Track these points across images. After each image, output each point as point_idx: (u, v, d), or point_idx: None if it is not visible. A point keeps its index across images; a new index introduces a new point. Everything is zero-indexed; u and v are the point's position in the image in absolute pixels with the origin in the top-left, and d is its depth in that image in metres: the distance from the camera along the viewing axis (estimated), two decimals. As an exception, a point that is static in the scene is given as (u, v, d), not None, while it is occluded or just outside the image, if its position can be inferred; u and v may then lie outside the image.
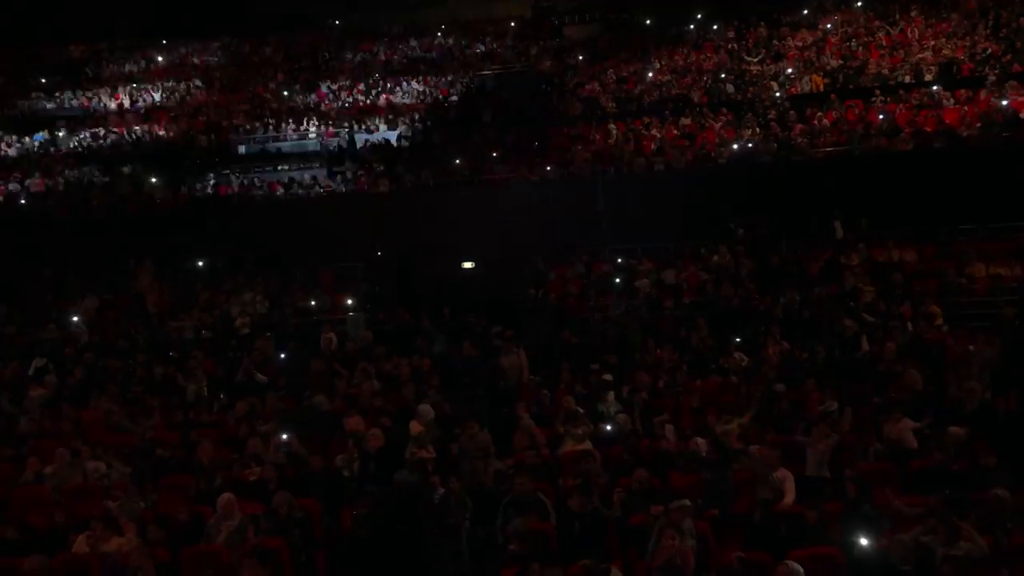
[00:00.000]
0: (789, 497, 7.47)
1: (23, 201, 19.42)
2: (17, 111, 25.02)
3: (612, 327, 13.40)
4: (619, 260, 16.44)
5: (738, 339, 12.32)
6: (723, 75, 22.51)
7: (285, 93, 24.94)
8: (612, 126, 20.92)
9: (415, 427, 9.52)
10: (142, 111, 24.68)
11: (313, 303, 15.53)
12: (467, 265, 18.03)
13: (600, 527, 6.67)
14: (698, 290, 14.84)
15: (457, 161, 19.76)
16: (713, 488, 7.69)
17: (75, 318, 15.12)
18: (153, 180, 19.86)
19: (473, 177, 19.28)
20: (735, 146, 18.66)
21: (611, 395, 10.44)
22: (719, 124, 20.10)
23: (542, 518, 7.58)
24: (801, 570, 5.68)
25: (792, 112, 19.79)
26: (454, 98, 23.63)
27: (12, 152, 22.29)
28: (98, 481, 9.19)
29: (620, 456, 8.81)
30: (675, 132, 20.18)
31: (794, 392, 10.30)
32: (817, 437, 8.37)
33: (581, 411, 9.91)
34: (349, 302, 15.35)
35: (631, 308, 14.38)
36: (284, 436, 9.37)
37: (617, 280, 15.53)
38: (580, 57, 25.75)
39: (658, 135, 20.11)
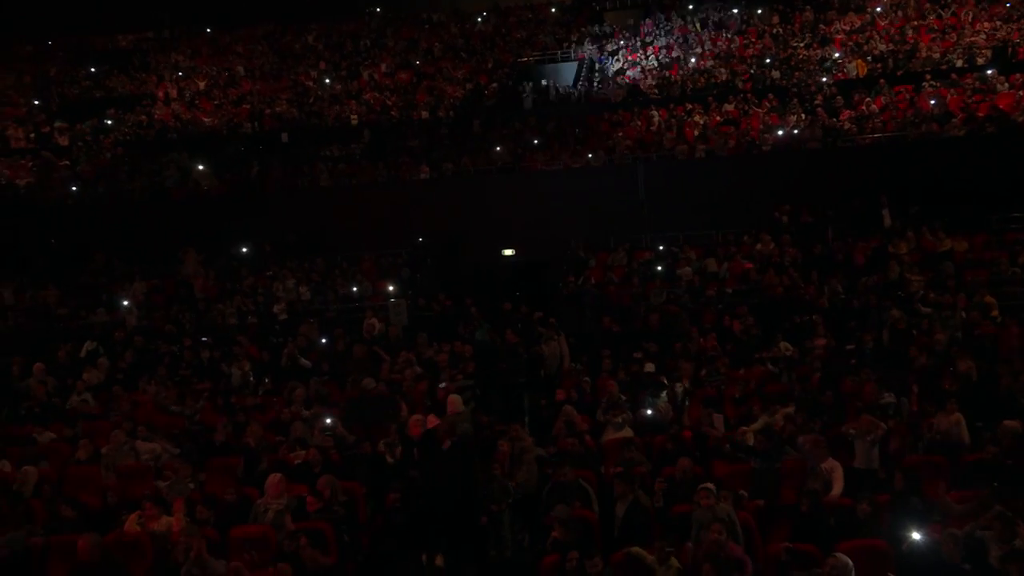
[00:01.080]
0: (837, 488, 7.36)
1: (74, 188, 19.82)
2: (68, 99, 25.56)
3: (654, 315, 13.29)
4: (660, 248, 16.32)
5: (783, 329, 12.15)
6: (768, 60, 22.14)
7: (327, 80, 25.11)
8: (654, 113, 20.71)
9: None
10: (187, 99, 25.03)
11: (355, 289, 15.65)
12: (507, 252, 18.08)
13: (642, 516, 6.63)
14: (741, 279, 14.65)
15: (497, 148, 19.73)
16: (760, 478, 7.61)
17: (124, 302, 15.44)
18: (199, 167, 20.13)
19: (513, 164, 19.24)
20: (780, 132, 18.35)
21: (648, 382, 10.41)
22: (763, 110, 19.79)
23: (584, 505, 7.58)
24: (850, 563, 5.60)
25: (839, 98, 19.42)
26: (494, 85, 23.56)
27: (63, 139, 22.77)
28: (149, 462, 9.39)
29: (663, 445, 8.76)
30: (718, 118, 19.91)
31: (841, 383, 10.14)
32: (865, 429, 8.23)
33: (624, 399, 9.88)
34: (390, 288, 15.44)
35: (673, 296, 14.27)
36: (328, 420, 9.48)
37: (659, 268, 15.41)
38: (621, 43, 25.51)
39: (701, 122, 19.85)
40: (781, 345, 11.60)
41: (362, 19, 29.85)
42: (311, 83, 25.05)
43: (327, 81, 25.07)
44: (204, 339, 13.82)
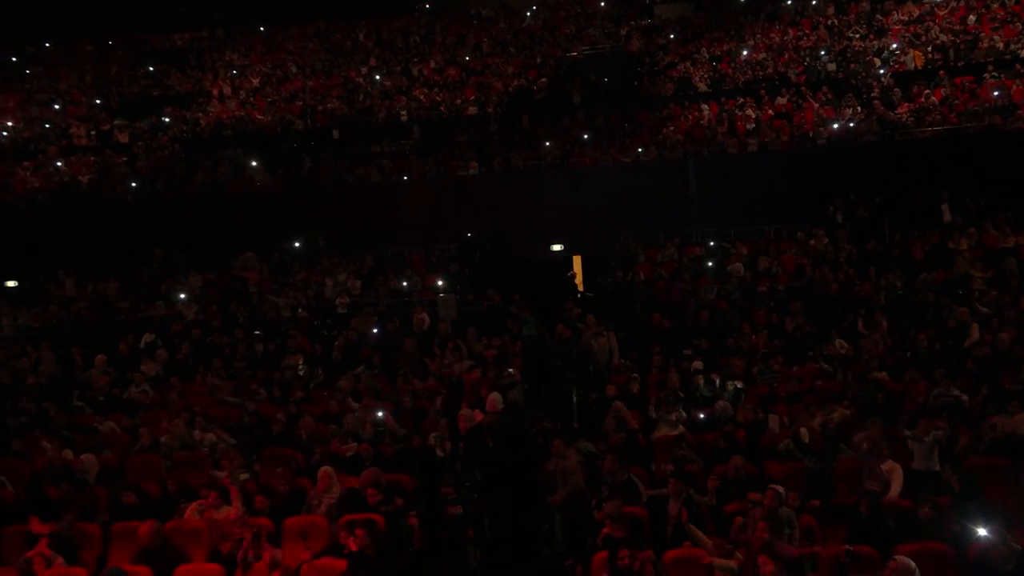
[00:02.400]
0: (896, 490, 7.20)
1: (133, 184, 20.34)
2: (128, 97, 26.21)
3: (704, 312, 13.15)
4: (711, 243, 16.15)
5: (838, 326, 11.93)
6: (822, 52, 21.70)
7: (377, 77, 25.32)
8: (705, 107, 20.46)
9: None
10: (241, 96, 25.48)
11: (404, 284, 15.79)
12: (556, 248, 18.06)
13: (696, 514, 6.57)
14: (794, 275, 14.42)
15: (547, 143, 19.70)
16: (814, 478, 7.48)
17: (181, 296, 15.80)
18: (253, 163, 20.49)
19: (562, 159, 19.19)
20: (835, 126, 17.99)
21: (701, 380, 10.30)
22: (818, 103, 19.41)
23: (634, 502, 7.55)
24: (914, 565, 5.47)
25: (896, 90, 18.94)
26: (543, 80, 23.50)
27: (123, 137, 23.37)
28: (206, 452, 9.61)
29: (715, 443, 8.67)
30: (771, 112, 19.59)
31: (898, 382, 9.93)
32: (924, 430, 8.03)
33: (681, 395, 9.82)
34: (439, 283, 15.54)
35: (723, 292, 14.11)
36: (380, 414, 9.56)
37: (709, 264, 15.26)
38: (671, 36, 25.23)
39: (753, 115, 19.56)
40: (836, 343, 11.40)
41: (411, 15, 30.01)
42: (361, 80, 25.29)
43: (377, 78, 25.28)
44: (256, 332, 14.09)
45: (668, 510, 7.01)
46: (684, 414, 9.52)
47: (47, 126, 24.50)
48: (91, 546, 7.78)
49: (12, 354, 13.51)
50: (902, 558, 5.52)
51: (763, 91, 20.50)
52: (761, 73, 21.46)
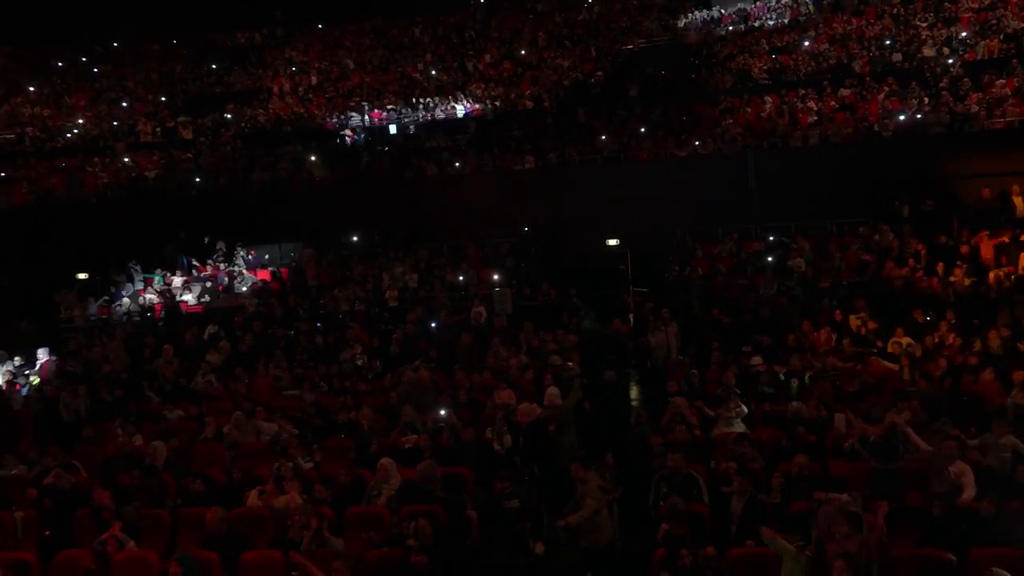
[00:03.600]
0: (968, 492, 6.97)
1: (197, 179, 20.84)
2: (191, 94, 26.88)
3: (764, 307, 12.93)
4: (771, 238, 15.87)
5: (904, 323, 11.61)
6: (888, 42, 21.11)
7: (433, 72, 25.49)
8: (765, 99, 20.08)
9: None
10: (300, 93, 25.90)
11: (461, 278, 15.87)
12: (611, 242, 17.93)
13: (760, 513, 6.46)
14: (858, 270, 14.07)
15: (603, 137, 19.58)
16: (881, 478, 7.29)
17: (243, 288, 16.14)
18: (311, 158, 20.82)
19: (619, 153, 19.05)
20: (901, 117, 17.49)
21: (765, 376, 10.14)
22: (883, 94, 18.89)
23: (695, 498, 7.47)
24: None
25: (966, 80, 18.32)
26: (599, 73, 23.35)
27: (187, 133, 23.97)
28: (268, 441, 9.80)
29: (778, 441, 8.52)
30: (834, 104, 19.13)
31: (969, 382, 9.62)
32: (997, 432, 7.77)
33: (738, 392, 9.68)
34: (495, 277, 15.58)
35: (784, 288, 13.84)
36: (443, 411, 9.61)
37: (769, 259, 15.00)
38: (730, 27, 24.83)
39: (815, 107, 19.13)
40: (903, 341, 11.09)
41: (467, 11, 30.12)
42: (418, 75, 25.48)
43: (433, 73, 25.45)
44: (317, 324, 14.32)
45: (731, 508, 6.91)
46: (744, 410, 9.38)
47: (115, 123, 25.27)
48: (160, 531, 8.02)
49: (84, 344, 13.98)
50: (996, 570, 5.28)
51: (826, 82, 20.03)
52: (824, 64, 20.97)
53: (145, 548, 7.53)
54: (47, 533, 7.94)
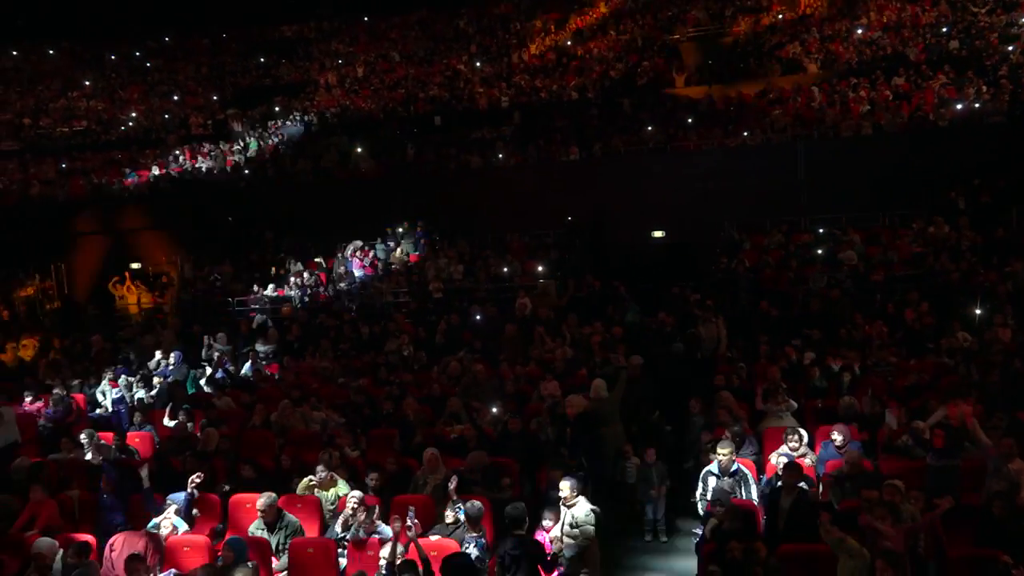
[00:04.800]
0: (1027, 491, 6.76)
1: (246, 171, 21.17)
2: (241, 87, 27.30)
3: (814, 300, 12.70)
4: (821, 230, 15.58)
5: (960, 317, 11.30)
6: (944, 29, 20.54)
7: (478, 64, 25.51)
8: (815, 88, 19.70)
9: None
10: (347, 85, 26.12)
11: (505, 269, 15.87)
12: (657, 234, 17.80)
13: (810, 509, 6.35)
14: (912, 263, 13.74)
15: (648, 128, 19.40)
16: (937, 476, 7.11)
17: (291, 278, 16.36)
18: (357, 150, 21.00)
19: (665, 144, 18.87)
20: (958, 107, 17.02)
21: (816, 371, 9.95)
22: (938, 83, 18.39)
23: (743, 493, 7.37)
24: None
25: (1028, 67, 17.77)
26: (645, 63, 23.13)
27: (237, 125, 24.37)
28: (317, 429, 9.92)
29: (828, 436, 8.34)
30: (887, 93, 18.68)
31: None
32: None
33: (784, 386, 9.51)
34: (540, 269, 15.55)
35: (834, 281, 13.58)
36: (495, 410, 9.62)
37: (819, 251, 14.73)
38: (779, 15, 24.38)
39: (867, 96, 18.71)
40: (959, 335, 10.79)
41: (512, 2, 30.05)
42: (462, 67, 25.52)
43: (478, 64, 25.46)
44: (353, 313, 14.45)
45: (780, 504, 6.80)
46: (794, 404, 9.22)
47: (167, 116, 25.76)
48: (212, 515, 8.16)
49: (137, 332, 14.30)
50: None
51: (879, 71, 19.57)
52: (878, 52, 20.49)
53: (198, 532, 7.68)
54: (104, 513, 8.12)
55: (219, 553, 6.87)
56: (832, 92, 19.38)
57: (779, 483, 7.11)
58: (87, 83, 29.04)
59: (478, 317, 13.36)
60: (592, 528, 6.84)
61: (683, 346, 11.44)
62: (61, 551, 6.86)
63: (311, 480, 8.24)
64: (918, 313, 11.63)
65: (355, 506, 7.42)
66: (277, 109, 24.66)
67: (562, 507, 6.97)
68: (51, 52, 31.12)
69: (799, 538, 6.41)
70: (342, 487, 8.16)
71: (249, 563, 6.44)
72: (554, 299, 14.23)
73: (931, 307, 11.78)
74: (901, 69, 19.39)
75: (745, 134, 18.35)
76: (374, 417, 10.18)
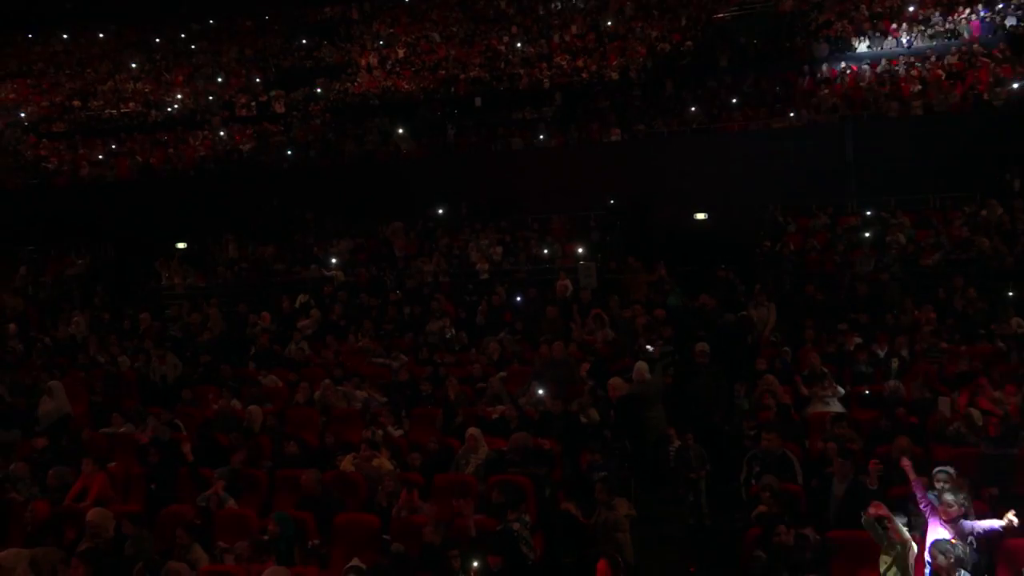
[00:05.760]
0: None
1: (289, 152, 21.33)
2: (283, 69, 27.46)
3: (862, 284, 12.45)
4: (868, 213, 15.25)
5: (1014, 302, 11.00)
6: (1000, 5, 19.88)
7: (518, 44, 25.33)
8: (864, 67, 19.23)
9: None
10: (388, 67, 26.14)
11: (545, 251, 15.81)
12: (699, 216, 17.57)
13: (864, 497, 6.23)
14: (963, 247, 13.38)
15: (692, 109, 19.13)
16: (991, 465, 6.94)
17: (332, 259, 16.49)
18: (398, 131, 21.04)
19: (708, 125, 18.59)
20: (1014, 86, 16.48)
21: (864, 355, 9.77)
22: (993, 62, 17.83)
23: (789, 478, 7.28)
24: None
25: (1089, 44, 17.15)
26: (688, 43, 22.79)
27: (279, 107, 24.54)
28: (360, 408, 10.02)
29: (877, 422, 8.21)
30: (939, 72, 18.17)
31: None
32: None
33: (827, 372, 9.36)
34: (580, 251, 15.47)
35: (882, 265, 13.30)
36: (540, 391, 9.61)
37: (866, 234, 14.43)
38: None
39: (918, 76, 18.21)
40: (1012, 321, 10.51)
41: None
42: (503, 48, 25.37)
43: (518, 45, 25.29)
44: (397, 292, 14.53)
45: (832, 491, 6.70)
46: (841, 390, 9.07)
47: (211, 98, 26.05)
48: (257, 490, 8.30)
49: (184, 311, 14.55)
50: None
51: (930, 50, 19.04)
52: (926, 30, 19.92)
53: (244, 506, 7.82)
54: (152, 486, 8.31)
55: (266, 527, 6.98)
56: (882, 71, 18.91)
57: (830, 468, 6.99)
58: (134, 65, 29.46)
59: (519, 298, 13.35)
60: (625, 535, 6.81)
61: (734, 318, 11.31)
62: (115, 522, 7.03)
63: (353, 456, 8.34)
64: (966, 299, 11.34)
65: (398, 485, 7.51)
66: (319, 91, 24.77)
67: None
68: (100, 35, 31.61)
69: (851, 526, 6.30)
70: (385, 465, 8.24)
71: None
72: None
73: (981, 292, 11.47)
74: (953, 48, 18.84)
75: (791, 115, 17.99)
76: (416, 397, 10.24)
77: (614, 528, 6.84)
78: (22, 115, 27.05)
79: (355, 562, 6.23)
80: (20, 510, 7.66)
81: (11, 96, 28.58)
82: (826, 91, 18.56)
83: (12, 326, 14.37)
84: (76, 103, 27.33)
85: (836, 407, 8.79)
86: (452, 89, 23.27)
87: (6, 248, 18.96)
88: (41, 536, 6.99)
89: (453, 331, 12.38)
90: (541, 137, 19.68)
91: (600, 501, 7.01)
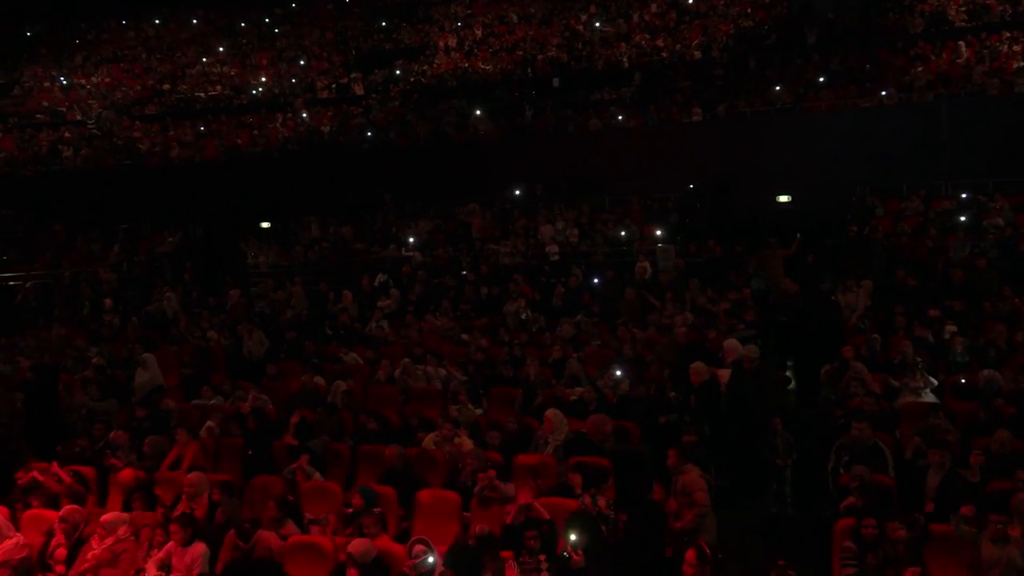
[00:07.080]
0: None
1: (368, 134, 21.63)
2: (363, 51, 27.81)
3: (957, 270, 11.93)
4: (963, 196, 14.60)
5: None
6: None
7: (597, 24, 25.03)
8: (962, 43, 18.33)
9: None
10: (465, 48, 26.18)
11: (623, 233, 15.66)
12: (782, 199, 17.14)
13: (961, 490, 5.99)
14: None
15: (776, 88, 18.58)
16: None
17: (411, 239, 16.69)
18: (476, 113, 21.08)
19: (795, 105, 18.04)
20: None
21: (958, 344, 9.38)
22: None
23: (880, 469, 7.05)
24: None
25: None
26: (773, 19, 22.11)
27: (359, 89, 24.89)
28: (439, 387, 10.13)
29: (974, 414, 7.88)
30: (1045, 47, 17.21)
31: None
32: None
33: (920, 360, 9.02)
34: (658, 233, 15.26)
35: (979, 250, 12.72)
36: (618, 372, 9.55)
37: (961, 218, 13.82)
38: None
39: (1021, 51, 17.26)
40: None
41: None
42: (581, 27, 25.10)
43: (597, 25, 24.98)
44: (463, 272, 14.60)
45: (927, 483, 6.46)
46: (934, 382, 8.73)
47: (294, 81, 26.58)
48: (341, 464, 8.49)
49: (269, 288, 14.96)
50: None
51: (1036, 23, 18.05)
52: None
53: (329, 479, 8.01)
54: (250, 453, 8.59)
55: (350, 500, 7.14)
56: (981, 47, 17.99)
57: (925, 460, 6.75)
58: (221, 49, 30.26)
59: (596, 280, 13.27)
60: (704, 494, 6.70)
61: (831, 285, 10.98)
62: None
63: (436, 435, 8.44)
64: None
65: (482, 462, 7.56)
66: (398, 72, 24.99)
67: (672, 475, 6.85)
68: (192, 21, 32.58)
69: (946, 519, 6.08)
70: (466, 443, 8.32)
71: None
72: None
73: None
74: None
75: (883, 93, 17.30)
76: (494, 376, 10.29)
77: (692, 490, 6.67)
78: (117, 98, 28.15)
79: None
80: (120, 476, 8.02)
81: (107, 80, 29.71)
82: (920, 68, 17.77)
83: (108, 300, 15.02)
84: (166, 86, 28.26)
85: (929, 398, 8.47)
86: (530, 70, 23.17)
87: (102, 226, 19.80)
88: (137, 500, 7.33)
89: (528, 312, 12.37)
90: (620, 118, 19.41)
91: (673, 466, 6.91)
